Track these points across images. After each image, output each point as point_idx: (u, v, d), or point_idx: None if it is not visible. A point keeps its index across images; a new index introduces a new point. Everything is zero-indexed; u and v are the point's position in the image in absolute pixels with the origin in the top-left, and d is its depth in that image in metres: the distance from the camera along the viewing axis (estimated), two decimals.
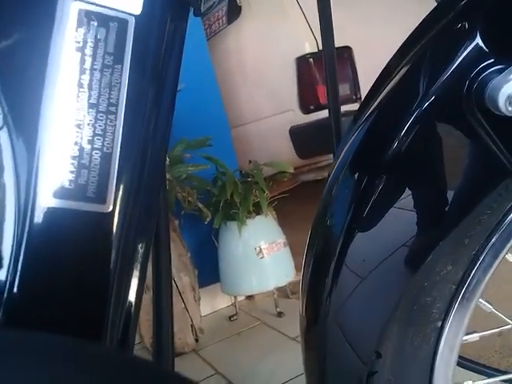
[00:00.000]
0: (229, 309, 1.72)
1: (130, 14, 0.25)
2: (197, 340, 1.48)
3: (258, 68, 2.02)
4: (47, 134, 0.23)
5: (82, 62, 0.24)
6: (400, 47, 0.43)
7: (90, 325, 0.25)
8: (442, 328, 0.40)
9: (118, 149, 0.24)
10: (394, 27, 1.73)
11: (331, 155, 1.71)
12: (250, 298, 1.76)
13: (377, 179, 0.39)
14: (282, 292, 1.67)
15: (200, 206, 1.44)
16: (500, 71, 0.30)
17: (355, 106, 1.82)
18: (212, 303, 1.73)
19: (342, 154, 0.44)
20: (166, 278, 0.40)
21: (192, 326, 1.47)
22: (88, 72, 0.24)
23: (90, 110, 0.24)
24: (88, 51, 0.24)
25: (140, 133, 0.25)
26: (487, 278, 0.39)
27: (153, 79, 0.26)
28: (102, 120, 0.24)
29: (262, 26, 1.99)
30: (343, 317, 0.45)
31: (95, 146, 0.24)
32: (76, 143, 0.24)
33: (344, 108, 1.93)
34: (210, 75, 1.81)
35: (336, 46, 1.90)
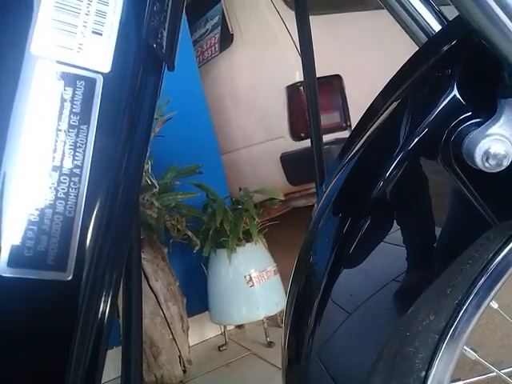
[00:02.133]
0: (218, 338, 1.69)
1: (98, 73, 0.24)
2: (185, 371, 1.45)
3: (250, 95, 2.04)
4: (6, 197, 0.23)
5: (47, 122, 0.23)
6: (384, 87, 0.43)
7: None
8: (425, 378, 0.39)
9: (81, 212, 0.24)
10: (382, 54, 1.76)
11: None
12: (239, 327, 1.74)
13: (362, 219, 0.39)
14: (273, 321, 1.64)
15: (189, 233, 1.42)
16: (478, 124, 0.30)
17: (345, 134, 1.83)
18: (201, 332, 1.70)
19: (327, 192, 0.44)
20: (136, 313, 0.39)
21: (180, 356, 1.44)
22: (52, 133, 0.23)
23: (53, 173, 0.23)
24: (53, 111, 0.23)
25: (106, 194, 0.25)
26: (471, 326, 0.38)
27: (121, 138, 0.25)
28: (64, 183, 0.23)
29: (254, 54, 2.02)
30: (328, 353, 0.44)
31: (57, 210, 0.23)
32: (36, 208, 0.23)
33: (334, 136, 1.94)
34: (202, 102, 1.82)
35: (325, 74, 1.94)
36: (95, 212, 0.24)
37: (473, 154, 0.28)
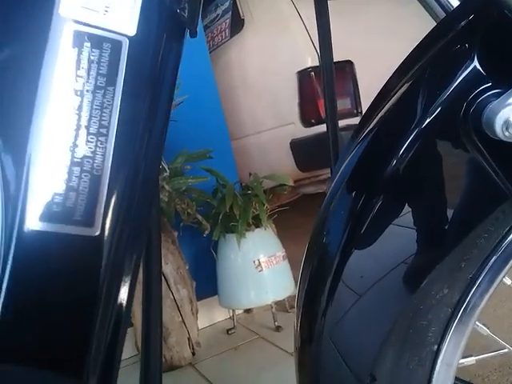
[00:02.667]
0: (226, 322, 1.70)
1: (124, 35, 0.24)
2: (194, 353, 1.47)
3: (260, 81, 2.03)
4: (36, 154, 0.23)
5: (74, 83, 0.24)
6: (399, 66, 0.43)
7: (73, 356, 0.24)
8: (437, 351, 0.39)
9: (108, 171, 0.24)
10: (394, 40, 1.74)
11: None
12: (248, 311, 1.75)
13: (374, 198, 0.39)
14: (281, 305, 1.65)
15: (199, 217, 1.43)
16: (498, 95, 0.30)
17: (356, 120, 1.82)
18: (210, 316, 1.72)
19: (340, 172, 0.44)
20: (156, 292, 0.40)
21: (189, 339, 1.46)
22: (80, 93, 0.24)
23: (81, 132, 0.24)
24: (80, 72, 0.24)
25: (131, 155, 0.25)
26: (484, 301, 0.38)
27: (146, 101, 0.26)
28: (92, 142, 0.24)
29: (265, 39, 2.01)
30: (339, 334, 0.44)
31: (84, 168, 0.24)
32: (65, 165, 0.23)
33: (345, 122, 1.94)
34: (212, 87, 1.81)
35: (337, 59, 1.91)
36: (121, 171, 0.25)
37: (493, 124, 0.28)
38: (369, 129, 0.41)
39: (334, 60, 2.03)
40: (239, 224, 1.51)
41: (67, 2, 0.23)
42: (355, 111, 1.82)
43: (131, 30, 0.25)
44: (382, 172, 0.38)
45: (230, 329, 1.63)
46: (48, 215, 0.23)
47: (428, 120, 0.34)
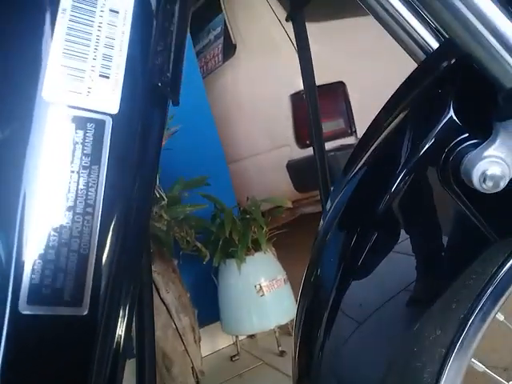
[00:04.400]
0: (230, 348, 1.69)
1: (107, 114, 0.25)
2: (198, 382, 1.45)
3: (255, 104, 2.05)
4: (24, 237, 0.24)
5: (60, 165, 0.24)
6: (385, 105, 0.44)
7: None
8: None
9: (95, 249, 0.25)
10: (385, 59, 1.76)
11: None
12: (251, 336, 1.74)
13: (369, 232, 0.40)
14: (284, 329, 1.64)
15: (198, 245, 1.43)
16: (475, 146, 0.30)
17: (350, 140, 1.84)
18: (213, 343, 1.70)
19: (334, 206, 0.45)
20: (149, 345, 0.40)
21: (193, 368, 1.44)
22: (65, 175, 0.24)
23: (67, 213, 0.24)
24: (66, 154, 0.24)
25: (118, 230, 0.26)
26: (477, 340, 0.38)
27: (131, 175, 0.26)
28: (78, 222, 0.24)
29: (257, 64, 2.04)
30: (339, 364, 0.44)
31: (72, 248, 0.24)
32: (53, 247, 0.24)
33: (340, 142, 1.94)
34: (207, 113, 1.84)
35: (329, 81, 1.95)
36: (108, 247, 0.25)
37: (470, 176, 0.29)
38: (359, 166, 0.42)
39: (326, 82, 2.06)
40: (239, 249, 1.52)
41: (50, 85, 0.24)
42: (349, 131, 1.84)
43: (114, 108, 0.25)
44: (375, 207, 0.39)
45: (234, 355, 1.61)
46: (38, 298, 0.23)
47: (412, 163, 0.35)
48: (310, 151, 1.98)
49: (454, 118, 0.32)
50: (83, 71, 0.25)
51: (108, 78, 0.25)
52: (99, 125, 0.25)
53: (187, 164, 1.67)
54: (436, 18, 0.30)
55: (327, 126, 1.83)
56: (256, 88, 2.02)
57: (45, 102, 0.24)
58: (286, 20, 0.55)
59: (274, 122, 1.97)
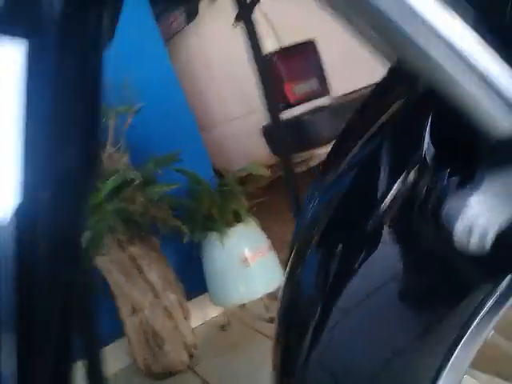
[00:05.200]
0: (220, 317, 1.71)
1: None
2: (191, 356, 1.48)
3: (224, 68, 1.97)
4: None
5: None
6: (354, 116, 0.41)
7: None
8: None
9: None
10: None
11: (305, 152, 1.68)
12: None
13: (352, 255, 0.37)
14: (272, 295, 1.66)
15: (177, 223, 1.41)
16: (458, 185, 0.28)
17: (324, 101, 1.79)
18: (203, 313, 1.72)
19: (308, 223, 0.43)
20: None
21: (185, 343, 1.46)
22: None
23: None
24: None
25: None
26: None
27: None
28: None
29: (222, 26, 1.94)
30: (329, 358, 0.44)
31: None
32: None
33: (314, 104, 1.89)
34: (174, 82, 1.76)
35: (300, 40, 1.87)
36: None
37: (452, 227, 0.26)
38: (336, 187, 0.39)
39: (297, 41, 1.98)
40: (218, 223, 1.50)
41: None
42: (323, 90, 1.79)
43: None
44: (362, 227, 0.36)
45: (225, 325, 1.64)
46: None
47: (386, 206, 0.32)
48: (283, 115, 1.92)
49: (431, 148, 0.29)
50: None
51: None
52: None
53: (158, 139, 1.62)
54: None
55: (301, 88, 1.77)
56: (224, 50, 1.93)
57: None
58: (235, 21, 0.51)
59: (246, 86, 1.91)
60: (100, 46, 0.26)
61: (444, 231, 0.28)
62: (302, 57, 1.73)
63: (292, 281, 0.47)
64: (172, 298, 1.45)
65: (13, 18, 0.22)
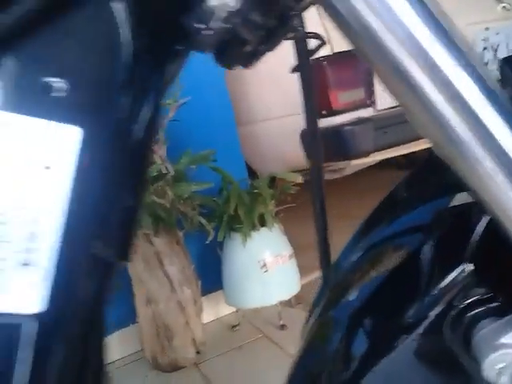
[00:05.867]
0: (232, 316, 1.72)
1: (26, 316, 0.20)
2: (198, 352, 1.49)
3: (270, 68, 1.94)
4: None
5: None
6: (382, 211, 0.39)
7: None
8: None
9: None
10: None
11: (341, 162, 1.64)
12: None
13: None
14: (287, 301, 1.65)
15: (203, 222, 1.41)
16: (494, 313, 0.25)
17: (368, 112, 1.74)
18: (215, 310, 1.73)
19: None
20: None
21: (193, 339, 1.47)
22: None
23: None
24: None
25: None
26: None
27: None
28: None
29: None
30: None
31: None
32: None
33: (357, 114, 1.84)
34: (219, 81, 1.74)
35: (350, 48, 1.79)
36: None
37: (482, 361, 0.24)
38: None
39: (348, 48, 1.93)
40: (244, 225, 1.49)
41: None
42: (368, 101, 1.74)
43: (35, 306, 0.20)
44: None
45: (235, 325, 1.64)
46: None
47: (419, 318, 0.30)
48: (325, 122, 1.88)
49: (471, 267, 0.26)
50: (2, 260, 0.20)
51: (32, 265, 0.20)
52: (14, 333, 0.20)
53: (196, 135, 1.61)
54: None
55: (346, 96, 1.72)
56: (273, 52, 1.89)
57: None
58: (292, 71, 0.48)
59: (290, 88, 1.87)
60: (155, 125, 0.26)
61: (473, 357, 0.26)
62: (352, 65, 1.68)
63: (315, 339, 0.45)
64: (187, 293, 1.46)
65: (71, 107, 0.22)
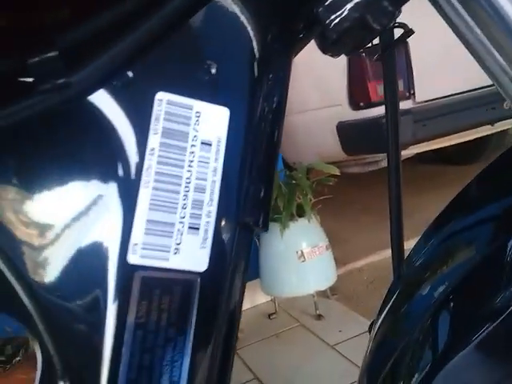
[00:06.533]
0: (268, 305, 1.74)
1: (195, 274, 0.23)
2: (237, 338, 1.52)
3: (309, 57, 1.94)
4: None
5: (142, 339, 0.22)
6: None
7: None
8: None
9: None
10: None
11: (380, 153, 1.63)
12: None
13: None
14: (323, 292, 1.67)
15: None
16: None
17: (406, 104, 1.73)
18: (252, 298, 1.76)
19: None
20: None
21: None
22: (148, 351, 0.22)
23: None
24: (150, 326, 0.23)
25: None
26: None
27: (216, 344, 0.25)
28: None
29: None
30: None
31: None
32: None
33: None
34: None
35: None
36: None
37: None
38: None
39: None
40: (283, 216, 1.51)
41: (136, 246, 0.22)
42: (407, 94, 1.73)
43: (202, 265, 0.23)
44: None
45: (272, 314, 1.67)
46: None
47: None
48: (362, 114, 1.88)
49: None
50: (172, 225, 0.22)
51: (198, 229, 0.23)
52: (187, 287, 0.23)
53: None
54: None
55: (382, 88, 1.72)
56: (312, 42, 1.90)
57: (129, 266, 0.22)
58: (376, 60, 0.49)
59: (326, 79, 1.87)
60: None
61: None
62: None
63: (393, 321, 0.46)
64: None
65: (217, 88, 0.24)
